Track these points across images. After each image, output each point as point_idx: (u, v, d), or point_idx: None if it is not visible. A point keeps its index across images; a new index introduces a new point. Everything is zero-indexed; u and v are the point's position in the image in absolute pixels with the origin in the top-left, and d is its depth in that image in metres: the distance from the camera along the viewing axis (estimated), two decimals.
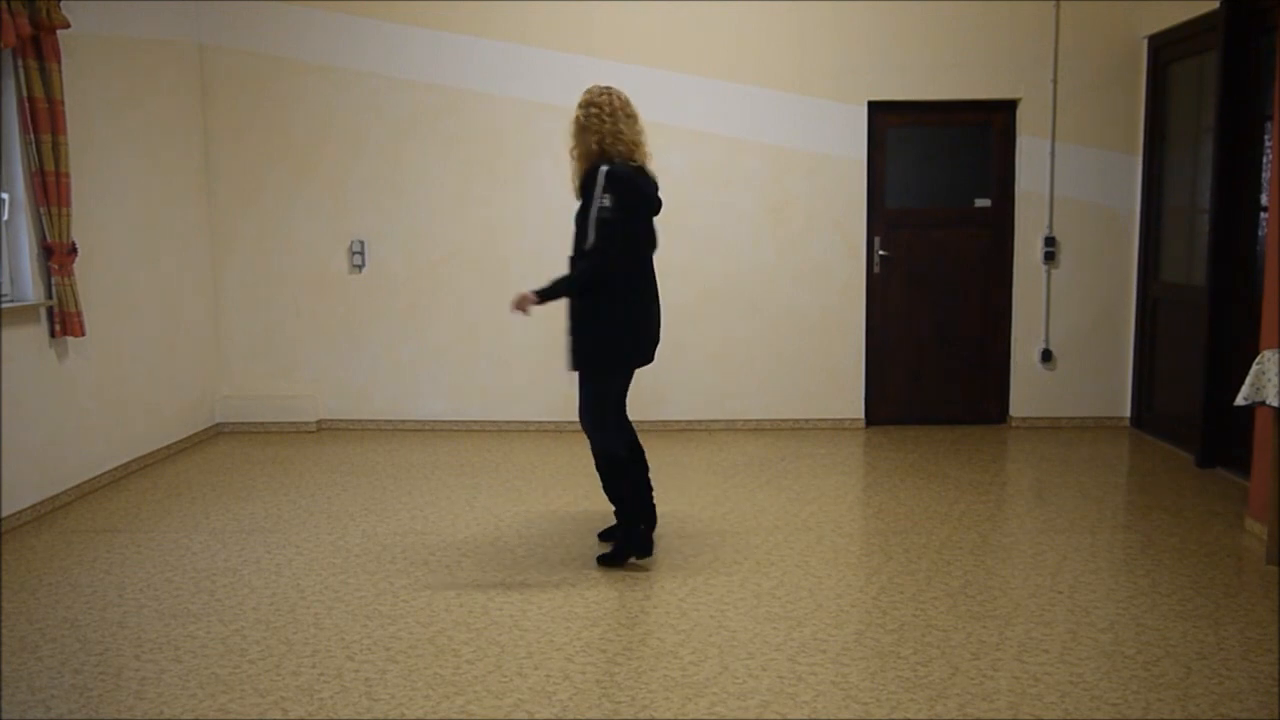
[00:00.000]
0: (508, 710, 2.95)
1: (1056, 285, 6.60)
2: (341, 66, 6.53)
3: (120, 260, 5.65)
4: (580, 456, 5.80)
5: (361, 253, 6.67)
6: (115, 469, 5.57)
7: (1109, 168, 6.49)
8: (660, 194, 4.03)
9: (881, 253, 6.63)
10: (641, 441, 4.24)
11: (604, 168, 3.82)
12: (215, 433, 6.69)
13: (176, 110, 6.26)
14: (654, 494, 4.31)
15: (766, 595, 3.80)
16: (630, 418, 4.20)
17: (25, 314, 4.88)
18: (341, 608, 3.72)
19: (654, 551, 4.24)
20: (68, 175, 4.99)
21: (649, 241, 4.03)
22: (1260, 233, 5.21)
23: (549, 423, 6.67)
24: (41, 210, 4.91)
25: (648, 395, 6.41)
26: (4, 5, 4.46)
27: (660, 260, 4.14)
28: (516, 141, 6.53)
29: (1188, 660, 3.22)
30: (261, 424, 6.75)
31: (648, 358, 4.08)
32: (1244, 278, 5.32)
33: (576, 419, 4.29)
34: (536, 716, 2.91)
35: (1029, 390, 6.68)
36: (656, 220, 4.04)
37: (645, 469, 4.21)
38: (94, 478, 5.37)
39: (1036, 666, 3.19)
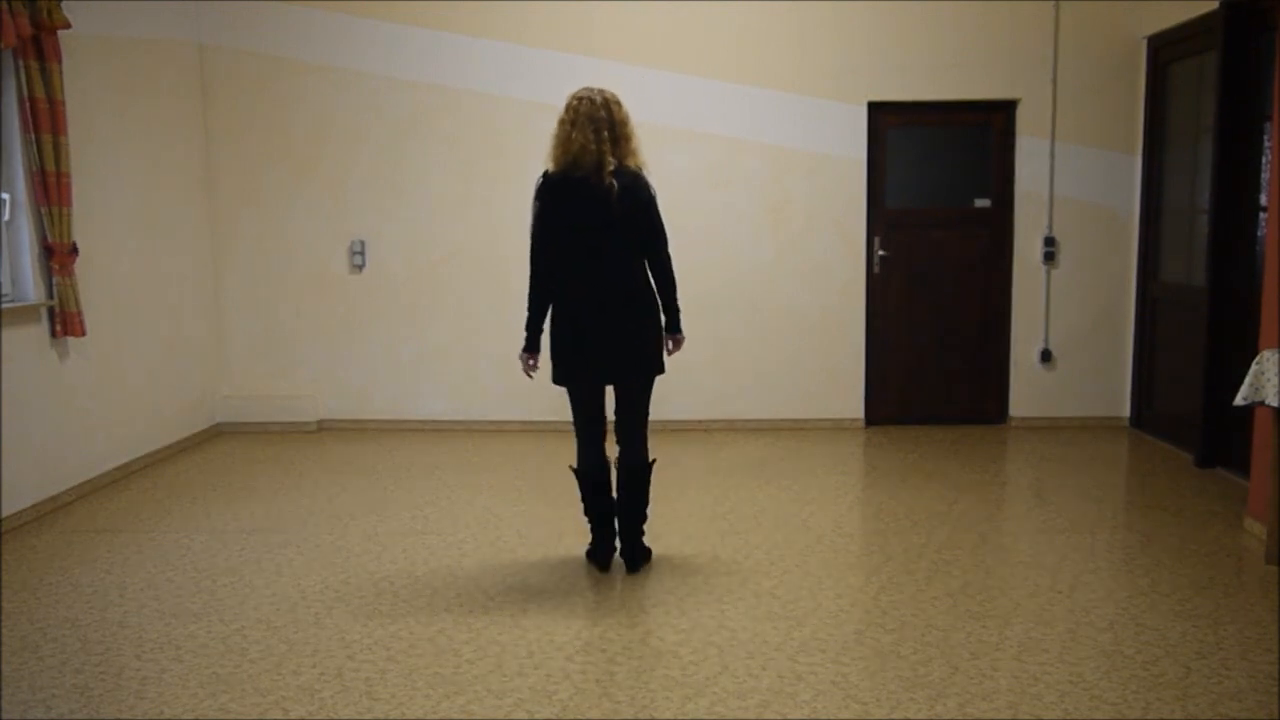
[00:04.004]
0: (508, 710, 2.95)
1: (1056, 285, 6.60)
2: (341, 66, 6.53)
3: (121, 260, 5.65)
4: None
5: (361, 253, 6.67)
6: (116, 469, 5.57)
7: (1109, 168, 6.49)
8: (614, 203, 3.82)
9: (881, 253, 6.63)
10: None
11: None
12: (215, 433, 6.69)
13: (176, 110, 6.26)
14: (625, 520, 4.05)
15: (766, 595, 3.81)
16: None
17: (26, 314, 4.88)
18: (341, 608, 3.73)
19: (609, 568, 4.09)
20: (68, 175, 4.99)
21: (578, 253, 3.90)
22: (1260, 233, 5.21)
23: (549, 423, 6.67)
24: (42, 210, 4.91)
25: None
26: (4, 5, 4.46)
27: None
28: (516, 141, 6.52)
29: (1187, 660, 3.23)
30: (261, 424, 6.75)
31: (582, 376, 4.01)
32: (1243, 278, 5.32)
33: None
34: (536, 716, 2.91)
35: (1029, 390, 6.68)
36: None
37: (612, 489, 4.08)
38: (94, 477, 5.38)
39: (1036, 666, 3.19)
